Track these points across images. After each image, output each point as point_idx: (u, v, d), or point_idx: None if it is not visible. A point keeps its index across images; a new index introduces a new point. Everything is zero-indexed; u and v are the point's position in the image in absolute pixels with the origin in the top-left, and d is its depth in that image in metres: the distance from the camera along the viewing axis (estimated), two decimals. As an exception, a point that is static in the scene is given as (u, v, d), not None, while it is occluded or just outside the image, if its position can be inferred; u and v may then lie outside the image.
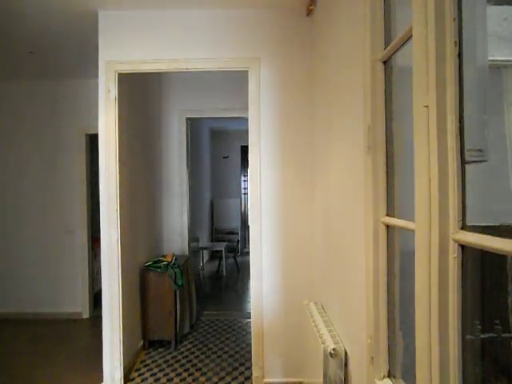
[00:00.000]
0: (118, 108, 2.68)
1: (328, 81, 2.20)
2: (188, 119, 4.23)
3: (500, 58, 1.00)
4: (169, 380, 2.90)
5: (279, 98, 2.72)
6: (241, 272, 6.49)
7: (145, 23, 2.67)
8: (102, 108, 2.67)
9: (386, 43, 1.38)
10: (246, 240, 8.23)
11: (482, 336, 0.91)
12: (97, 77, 2.68)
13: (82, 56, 3.43)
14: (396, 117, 1.37)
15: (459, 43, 0.86)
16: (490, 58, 0.94)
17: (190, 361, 3.20)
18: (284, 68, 2.71)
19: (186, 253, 4.12)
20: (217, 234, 7.93)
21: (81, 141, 4.27)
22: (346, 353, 1.74)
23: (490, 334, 0.93)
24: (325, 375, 1.72)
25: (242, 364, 3.13)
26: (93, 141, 4.14)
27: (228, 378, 2.90)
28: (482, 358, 0.92)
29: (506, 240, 0.70)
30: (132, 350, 3.08)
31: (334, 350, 1.70)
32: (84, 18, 2.69)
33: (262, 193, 2.74)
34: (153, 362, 3.20)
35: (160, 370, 3.04)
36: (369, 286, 1.43)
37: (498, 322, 0.93)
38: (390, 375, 1.39)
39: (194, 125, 4.84)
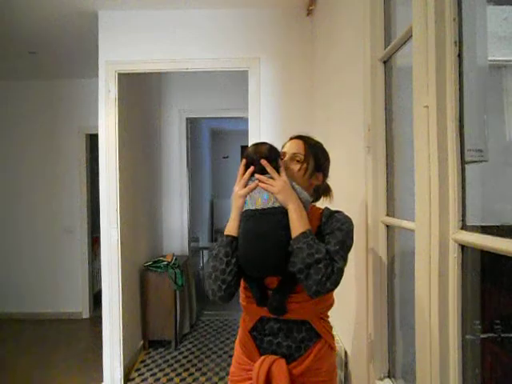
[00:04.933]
0: (118, 108, 2.68)
1: (328, 81, 2.20)
2: (188, 119, 4.22)
3: (500, 58, 1.00)
4: (169, 380, 2.90)
5: (279, 97, 2.72)
6: (241, 272, 6.49)
7: (145, 23, 2.67)
8: (102, 108, 2.67)
9: (386, 43, 1.38)
10: (246, 240, 8.19)
11: (482, 336, 0.91)
12: (97, 77, 2.68)
13: (81, 56, 3.43)
14: (396, 117, 1.37)
15: (459, 43, 0.86)
16: (490, 58, 0.94)
17: (190, 361, 3.20)
18: (284, 68, 2.71)
19: (186, 253, 4.12)
20: (217, 234, 7.92)
21: (81, 141, 4.27)
22: (345, 353, 1.74)
23: (490, 334, 0.93)
24: (325, 375, 1.71)
25: (241, 364, 3.13)
26: (93, 141, 4.14)
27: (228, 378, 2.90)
28: (482, 358, 0.92)
29: (506, 240, 0.70)
30: (132, 350, 3.08)
31: (334, 349, 1.70)
32: (84, 18, 2.69)
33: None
34: (153, 361, 3.20)
35: (160, 370, 3.04)
36: (369, 286, 1.44)
37: (498, 321, 0.93)
38: (389, 375, 1.39)
39: (194, 125, 4.83)
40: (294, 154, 1.23)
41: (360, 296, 1.53)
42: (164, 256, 3.64)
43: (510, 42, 0.98)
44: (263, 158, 1.10)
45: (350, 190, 1.70)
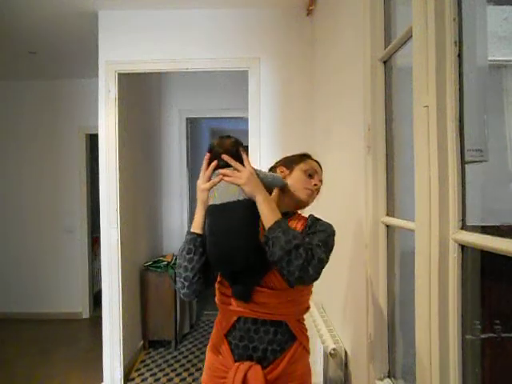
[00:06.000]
0: (118, 108, 2.68)
1: (328, 81, 2.20)
2: (188, 119, 4.22)
3: (500, 58, 1.00)
4: (169, 380, 2.90)
5: (279, 97, 2.72)
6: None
7: (145, 23, 2.67)
8: (102, 108, 2.67)
9: (386, 43, 1.38)
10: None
11: (482, 336, 0.91)
12: (97, 77, 2.68)
13: (81, 56, 3.43)
14: (396, 117, 1.37)
15: (459, 43, 0.86)
16: (490, 58, 0.94)
17: (190, 361, 3.20)
18: (284, 68, 2.71)
19: (186, 253, 4.12)
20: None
21: (81, 141, 4.26)
22: (345, 353, 1.74)
23: (490, 334, 0.93)
24: (325, 375, 1.72)
25: (241, 364, 3.12)
26: (93, 141, 4.13)
27: (228, 378, 2.89)
28: (482, 358, 0.92)
29: (506, 240, 0.70)
30: (132, 350, 3.08)
31: (333, 349, 1.70)
32: (84, 17, 2.69)
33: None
34: (153, 361, 3.20)
35: (160, 370, 3.04)
36: (369, 286, 1.44)
37: (497, 322, 0.93)
38: (389, 375, 1.39)
39: (194, 125, 4.83)
40: (320, 180, 1.31)
41: (360, 296, 1.53)
42: (164, 256, 3.64)
43: (510, 41, 0.98)
44: (225, 152, 1.09)
45: (350, 190, 1.70)
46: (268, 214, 1.06)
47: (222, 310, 1.22)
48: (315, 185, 1.27)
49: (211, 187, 1.11)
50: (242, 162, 1.10)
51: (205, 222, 1.12)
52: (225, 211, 1.07)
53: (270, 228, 1.04)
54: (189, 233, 1.14)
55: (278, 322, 1.16)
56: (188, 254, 1.09)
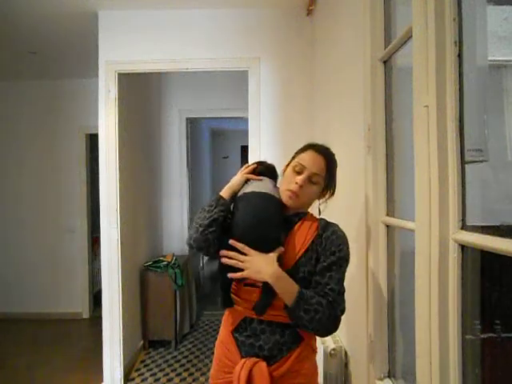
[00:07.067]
0: (118, 108, 2.68)
1: (328, 81, 2.20)
2: (188, 119, 4.22)
3: (500, 58, 1.00)
4: (169, 380, 2.90)
5: (279, 97, 2.72)
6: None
7: (145, 23, 2.67)
8: (102, 108, 2.67)
9: (386, 43, 1.38)
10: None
11: (482, 336, 0.91)
12: (97, 77, 2.68)
13: (82, 56, 3.43)
14: (396, 117, 1.37)
15: (459, 43, 0.86)
16: (490, 58, 0.94)
17: (190, 361, 3.20)
18: (284, 68, 2.71)
19: (186, 253, 4.12)
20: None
21: (81, 141, 4.26)
22: (346, 353, 1.74)
23: (490, 334, 0.93)
24: (325, 375, 1.72)
25: (241, 364, 3.12)
26: (93, 141, 4.13)
27: (228, 378, 2.89)
28: (482, 358, 0.92)
29: (506, 240, 0.70)
30: (132, 350, 3.08)
31: (333, 350, 1.70)
32: (84, 18, 2.69)
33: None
34: (153, 361, 3.20)
35: (160, 370, 3.04)
36: (369, 286, 1.44)
37: (498, 322, 0.93)
38: (390, 375, 1.39)
39: (194, 125, 4.83)
40: (314, 174, 1.17)
41: (360, 296, 1.53)
42: (164, 256, 3.64)
43: (510, 41, 0.98)
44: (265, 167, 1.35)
45: (350, 190, 1.70)
46: (283, 293, 1.08)
47: (229, 308, 1.23)
48: (296, 183, 1.15)
49: (250, 178, 1.24)
50: (275, 176, 1.32)
51: (231, 200, 1.21)
52: (267, 197, 1.19)
53: (290, 309, 1.08)
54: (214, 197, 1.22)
55: (284, 323, 1.15)
56: (209, 206, 1.16)
